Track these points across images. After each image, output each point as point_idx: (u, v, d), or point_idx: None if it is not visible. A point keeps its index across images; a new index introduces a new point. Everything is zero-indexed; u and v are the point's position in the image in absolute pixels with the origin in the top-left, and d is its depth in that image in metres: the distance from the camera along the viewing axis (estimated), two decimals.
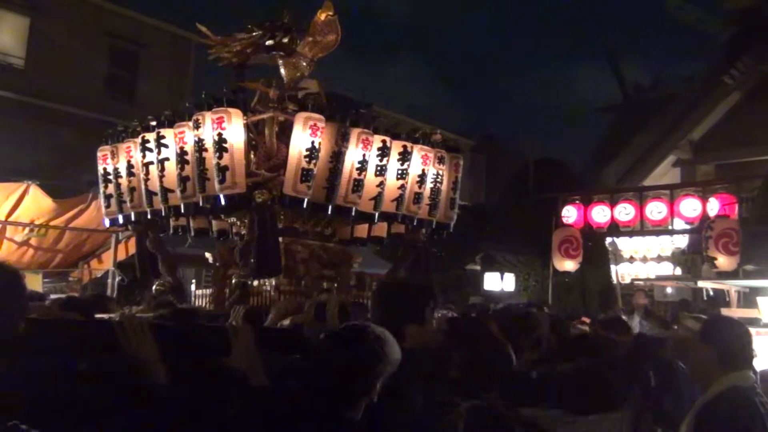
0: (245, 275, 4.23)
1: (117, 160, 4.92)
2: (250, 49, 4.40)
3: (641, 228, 10.96)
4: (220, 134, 3.97)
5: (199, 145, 4.10)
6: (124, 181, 4.85)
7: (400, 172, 4.40)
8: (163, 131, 4.43)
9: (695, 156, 15.11)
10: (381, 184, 4.32)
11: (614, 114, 21.90)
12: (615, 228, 11.10)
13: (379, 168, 4.28)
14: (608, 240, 10.30)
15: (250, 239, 4.10)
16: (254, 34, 4.36)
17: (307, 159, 3.99)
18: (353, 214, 4.27)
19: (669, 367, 3.82)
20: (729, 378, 2.46)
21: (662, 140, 15.44)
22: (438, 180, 4.67)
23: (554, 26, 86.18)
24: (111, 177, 4.97)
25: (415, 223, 4.70)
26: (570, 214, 11.54)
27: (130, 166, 4.77)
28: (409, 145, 4.47)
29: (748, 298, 8.61)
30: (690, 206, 10.42)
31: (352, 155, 4.15)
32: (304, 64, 4.48)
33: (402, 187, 4.44)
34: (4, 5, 15.41)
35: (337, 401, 1.95)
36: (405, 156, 4.43)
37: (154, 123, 4.54)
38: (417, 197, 4.56)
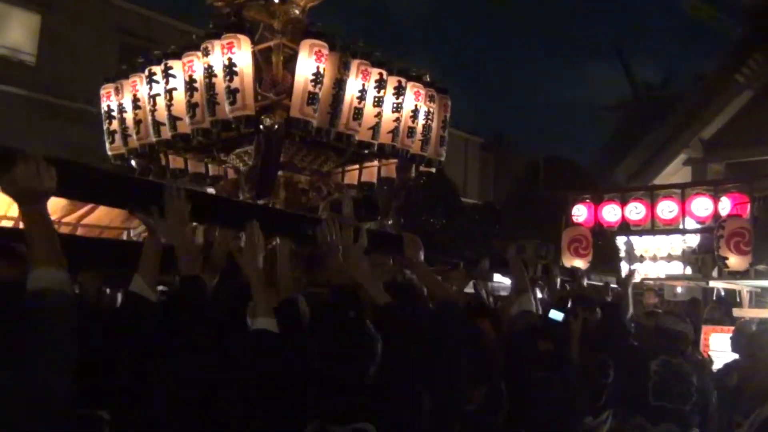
0: (251, 198, 4.37)
1: (121, 96, 5.01)
2: None
3: (652, 227, 10.89)
4: (230, 59, 4.14)
5: (209, 71, 4.25)
6: (129, 115, 4.96)
7: (395, 105, 4.64)
8: (171, 62, 4.55)
9: (706, 155, 15.02)
10: (378, 115, 4.56)
11: (624, 112, 21.84)
12: (626, 227, 11.04)
13: (376, 99, 4.52)
14: (624, 239, 10.24)
15: (255, 164, 4.27)
16: None
17: (313, 83, 4.17)
18: (354, 141, 4.48)
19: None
20: None
21: (673, 139, 15.35)
22: (429, 117, 4.95)
23: (564, 24, 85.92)
24: (115, 113, 5.08)
25: (408, 157, 4.92)
26: (580, 212, 11.49)
27: (135, 100, 4.87)
28: (403, 80, 4.71)
29: (759, 299, 8.58)
30: (702, 205, 10.34)
31: (353, 84, 4.38)
32: (297, 12, 4.59)
33: (397, 120, 4.68)
34: (16, 2, 15.49)
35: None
36: (399, 90, 4.68)
37: (160, 56, 4.69)
38: (410, 131, 4.83)
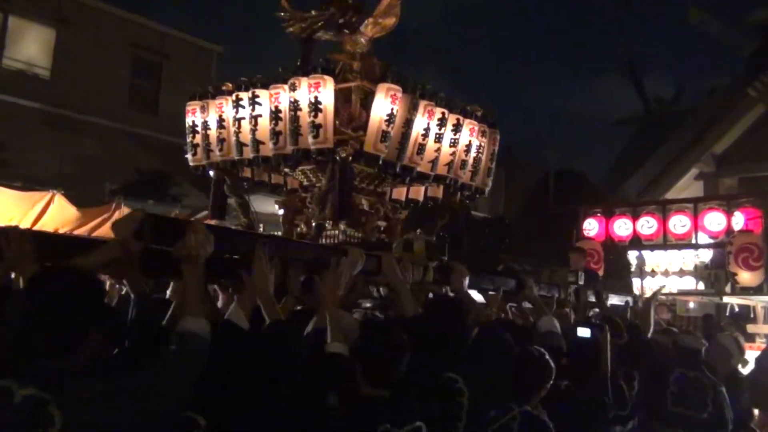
0: (322, 219, 4.89)
1: (207, 114, 5.42)
2: (318, 25, 5.02)
3: (664, 242, 10.81)
4: (316, 97, 4.59)
5: (294, 105, 4.69)
6: (213, 132, 5.37)
7: (452, 140, 5.10)
8: (258, 91, 4.99)
9: (718, 169, 14.94)
10: (438, 150, 5.01)
11: (636, 126, 21.80)
12: (637, 241, 10.95)
13: (437, 135, 4.96)
14: (636, 254, 10.17)
15: (328, 188, 4.76)
16: (331, 10, 4.99)
17: (387, 123, 4.62)
18: (414, 173, 4.98)
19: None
20: None
21: (684, 153, 15.29)
22: (480, 151, 5.42)
23: (575, 38, 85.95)
24: (199, 129, 5.50)
25: (458, 186, 5.41)
26: (591, 227, 11.43)
27: (221, 120, 5.29)
28: (461, 118, 5.16)
29: None
30: (714, 220, 10.25)
31: (419, 123, 4.82)
32: (363, 41, 5.02)
33: (453, 153, 5.15)
34: (31, 17, 15.70)
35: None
36: (457, 127, 5.13)
37: (247, 83, 5.11)
38: (463, 164, 5.29)
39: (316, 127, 4.57)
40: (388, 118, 4.61)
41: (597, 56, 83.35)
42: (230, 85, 5.29)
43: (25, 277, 2.39)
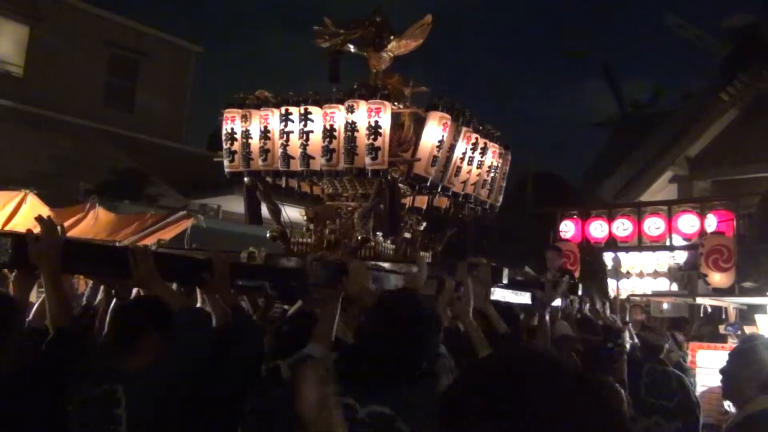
0: (365, 232, 5.10)
1: (249, 123, 5.36)
2: (351, 40, 5.20)
3: (639, 243, 10.95)
4: (376, 121, 4.77)
5: (352, 126, 4.81)
6: (255, 142, 5.34)
7: (479, 162, 5.48)
8: (311, 108, 5.05)
9: (692, 172, 15.14)
10: (469, 172, 5.38)
11: (612, 129, 21.98)
12: (613, 243, 11.08)
13: (470, 158, 5.33)
14: (611, 255, 10.28)
15: (374, 205, 5.06)
16: (367, 29, 5.17)
17: (437, 148, 4.93)
18: (450, 192, 5.35)
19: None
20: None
21: (659, 156, 15.46)
22: (497, 171, 5.84)
23: (553, 41, 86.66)
24: (238, 137, 5.44)
25: (477, 202, 5.75)
26: (568, 228, 11.54)
27: (265, 131, 5.27)
28: (488, 142, 5.53)
29: (746, 316, 8.60)
30: (688, 222, 10.41)
31: (459, 148, 5.16)
32: (386, 57, 5.28)
33: (479, 175, 5.54)
34: (4, 13, 15.44)
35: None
36: (484, 151, 5.51)
37: (296, 98, 5.14)
38: (484, 183, 5.68)
39: (374, 150, 4.77)
40: (438, 144, 4.91)
41: (576, 60, 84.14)
42: (263, 92, 5.33)
43: (152, 293, 2.61)
